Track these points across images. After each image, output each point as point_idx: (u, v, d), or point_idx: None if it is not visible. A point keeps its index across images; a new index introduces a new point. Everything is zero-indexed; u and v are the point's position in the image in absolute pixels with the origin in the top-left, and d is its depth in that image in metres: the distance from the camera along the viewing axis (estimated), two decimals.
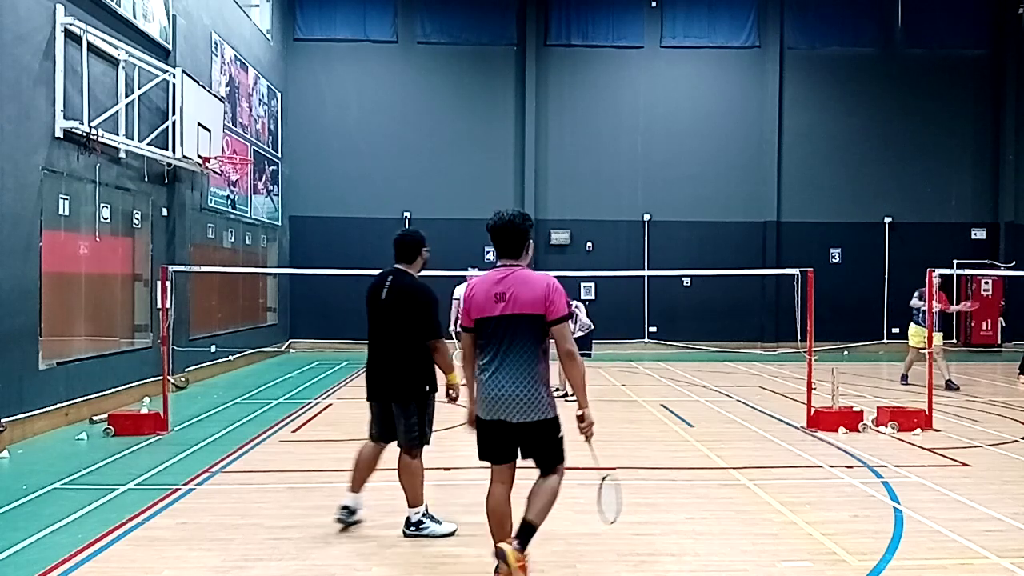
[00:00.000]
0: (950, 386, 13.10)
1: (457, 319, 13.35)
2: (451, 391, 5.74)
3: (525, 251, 4.75)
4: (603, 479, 4.87)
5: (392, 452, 5.73)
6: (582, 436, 4.63)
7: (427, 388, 5.57)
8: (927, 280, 10.60)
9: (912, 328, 13.66)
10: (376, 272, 5.89)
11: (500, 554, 4.45)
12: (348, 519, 5.75)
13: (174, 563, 5.12)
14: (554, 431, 4.65)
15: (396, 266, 5.74)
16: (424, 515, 5.66)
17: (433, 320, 5.59)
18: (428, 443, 5.67)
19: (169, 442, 8.86)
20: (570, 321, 4.68)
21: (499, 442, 4.64)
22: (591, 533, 5.72)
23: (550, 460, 4.65)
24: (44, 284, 9.46)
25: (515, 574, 4.42)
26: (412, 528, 5.63)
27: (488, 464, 4.79)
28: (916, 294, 13.68)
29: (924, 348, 12.34)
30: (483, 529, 5.73)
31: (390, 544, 5.47)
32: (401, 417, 5.53)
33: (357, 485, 5.77)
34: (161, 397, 9.67)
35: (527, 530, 4.56)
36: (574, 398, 4.67)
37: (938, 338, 12.99)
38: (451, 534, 5.65)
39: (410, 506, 5.65)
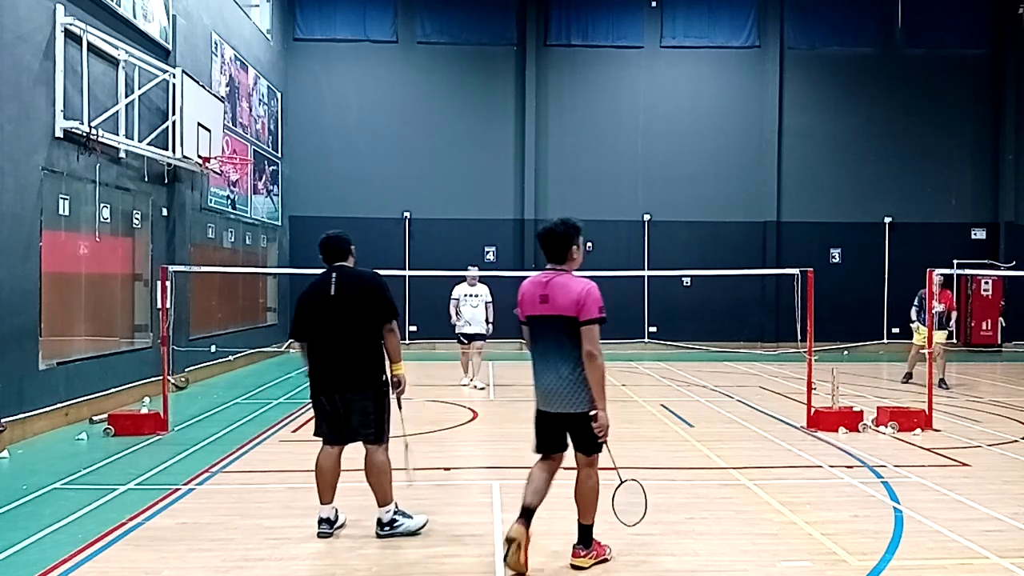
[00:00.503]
0: (941, 385, 13.15)
1: (458, 312, 13.29)
2: (396, 384, 5.63)
3: (570, 256, 5.02)
4: (618, 486, 5.09)
5: (358, 453, 5.60)
6: (598, 436, 4.84)
7: (383, 378, 5.54)
8: (927, 281, 10.58)
9: (917, 326, 13.72)
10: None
11: (576, 568, 4.98)
12: (331, 531, 5.62)
13: (174, 563, 5.12)
14: (590, 423, 4.87)
15: (335, 265, 5.69)
16: (396, 512, 5.61)
17: (392, 300, 5.59)
18: (387, 440, 5.59)
19: (169, 442, 8.86)
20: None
21: (545, 432, 5.06)
22: None
23: (589, 447, 4.94)
24: (44, 284, 9.45)
25: (597, 562, 5.04)
26: (387, 528, 5.55)
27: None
28: (916, 302, 13.77)
29: (925, 347, 12.65)
30: (483, 529, 5.76)
31: (390, 544, 5.46)
32: (357, 408, 5.46)
33: (329, 495, 5.62)
34: (161, 397, 9.67)
35: (584, 532, 5.03)
36: None
37: (941, 336, 13.18)
38: (424, 524, 5.66)
39: (381, 505, 5.57)
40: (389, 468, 5.57)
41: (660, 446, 8.76)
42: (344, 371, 5.47)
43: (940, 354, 12.98)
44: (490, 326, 13.06)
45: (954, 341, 20.15)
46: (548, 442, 5.06)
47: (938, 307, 12.97)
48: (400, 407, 5.73)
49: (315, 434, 5.68)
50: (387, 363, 5.61)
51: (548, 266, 5.06)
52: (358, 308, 5.50)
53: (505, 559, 4.88)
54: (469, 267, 13.64)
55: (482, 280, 13.29)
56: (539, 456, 5.11)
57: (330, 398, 5.52)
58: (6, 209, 8.76)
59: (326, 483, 5.60)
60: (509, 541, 4.85)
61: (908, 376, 14.05)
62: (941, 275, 12.46)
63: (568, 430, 4.97)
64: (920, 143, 20.87)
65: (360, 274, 5.66)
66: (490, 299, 13.07)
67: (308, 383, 5.66)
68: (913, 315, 13.77)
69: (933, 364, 12.09)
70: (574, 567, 4.99)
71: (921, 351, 13.29)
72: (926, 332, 12.78)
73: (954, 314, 14.20)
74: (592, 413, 4.79)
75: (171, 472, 7.49)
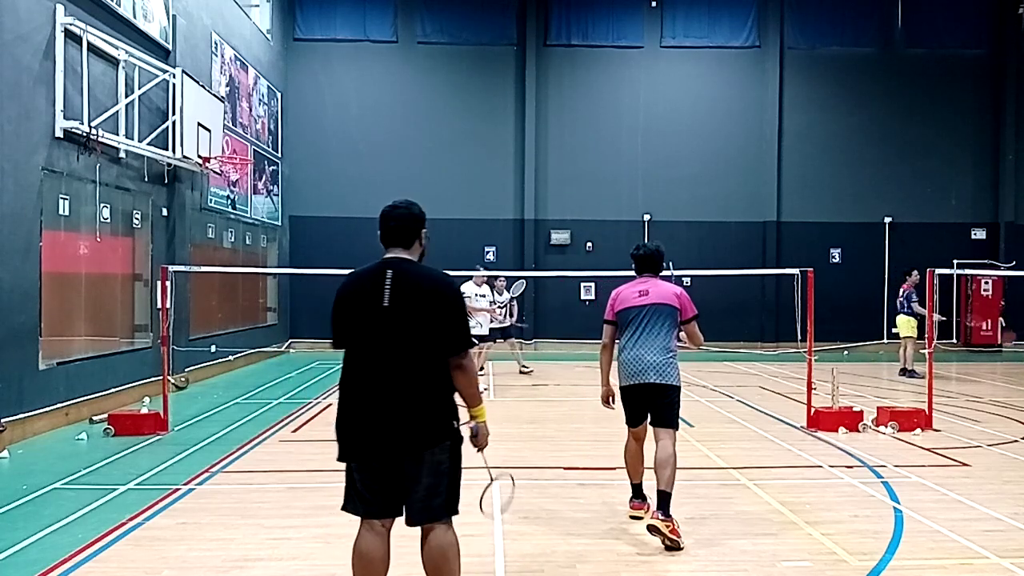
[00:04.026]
0: (913, 374, 14.53)
1: (469, 313, 13.54)
2: (477, 436, 3.95)
3: (661, 270, 6.08)
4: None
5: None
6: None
7: (456, 423, 3.87)
8: (927, 281, 10.59)
9: (901, 319, 14.92)
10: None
11: (652, 529, 5.40)
12: None
13: (174, 563, 5.12)
14: (677, 397, 5.76)
15: (392, 255, 3.94)
16: None
17: (468, 323, 3.98)
18: (458, 511, 3.92)
19: (169, 442, 8.86)
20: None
21: (638, 404, 5.82)
22: (591, 533, 5.73)
23: (670, 420, 5.71)
24: (44, 284, 9.45)
25: (670, 536, 5.33)
26: None
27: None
28: (906, 296, 14.98)
29: (907, 337, 14.68)
30: (482, 530, 5.75)
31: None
32: (424, 477, 3.76)
33: None
34: (161, 397, 9.68)
35: (664, 498, 5.46)
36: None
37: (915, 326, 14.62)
38: None
39: None
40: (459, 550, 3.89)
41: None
42: (397, 426, 3.74)
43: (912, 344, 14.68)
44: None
45: (953, 340, 20.28)
46: (639, 413, 5.85)
47: (920, 310, 14.40)
48: (488, 470, 4.11)
49: (346, 508, 3.93)
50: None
51: (643, 275, 6.00)
52: (423, 328, 3.77)
53: (652, 531, 5.44)
54: (478, 266, 13.68)
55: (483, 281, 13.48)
56: (629, 432, 5.96)
57: (367, 468, 3.81)
58: (6, 209, 8.76)
59: None
60: (654, 530, 5.47)
61: (912, 372, 14.75)
62: (940, 275, 13.47)
63: (657, 402, 5.71)
64: (920, 143, 20.86)
65: (429, 275, 3.89)
66: (492, 298, 13.43)
67: (335, 423, 3.95)
68: (915, 308, 14.68)
69: (904, 351, 14.65)
70: (650, 528, 5.40)
71: (909, 340, 14.79)
72: (906, 321, 14.70)
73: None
74: (679, 386, 5.76)
75: (171, 472, 7.49)
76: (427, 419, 3.77)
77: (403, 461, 3.76)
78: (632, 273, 6.10)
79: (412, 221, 3.97)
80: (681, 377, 5.84)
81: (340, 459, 3.90)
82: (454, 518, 3.89)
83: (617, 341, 5.97)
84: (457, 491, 3.89)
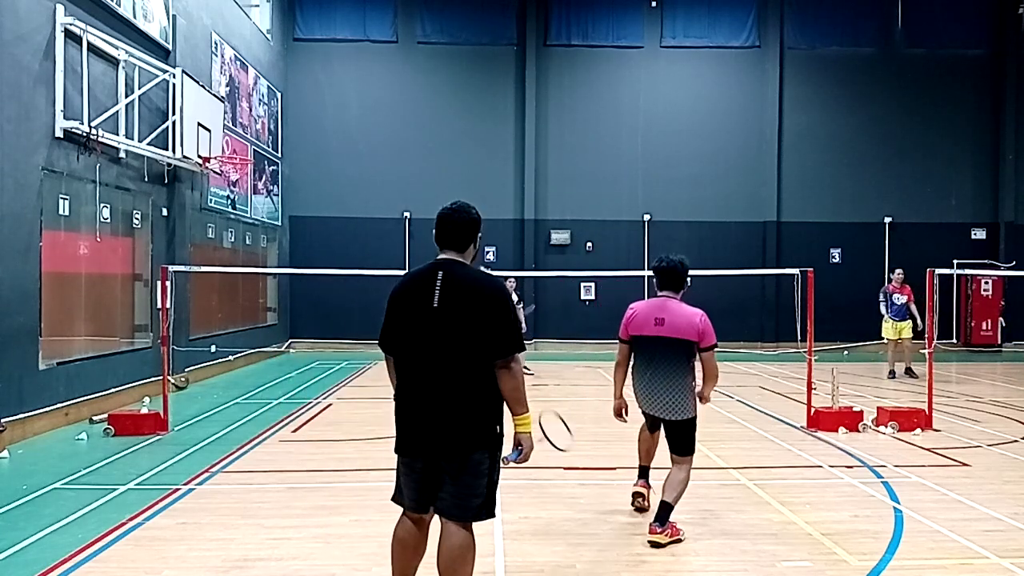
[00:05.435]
0: (893, 376, 14.69)
1: None
2: (516, 446, 3.98)
3: (683, 287, 5.86)
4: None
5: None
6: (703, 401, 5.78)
7: (498, 429, 3.93)
8: (927, 281, 10.59)
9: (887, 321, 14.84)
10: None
11: (654, 544, 5.40)
12: None
13: (174, 563, 5.12)
14: (691, 428, 5.70)
15: (444, 257, 4.00)
16: None
17: (519, 328, 3.98)
18: (495, 514, 4.07)
19: (169, 442, 8.86)
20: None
21: (652, 424, 6.04)
22: (591, 533, 5.73)
23: (684, 449, 5.70)
24: (44, 284, 9.46)
25: (671, 541, 5.44)
26: None
27: None
28: (881, 298, 14.92)
29: (889, 339, 14.61)
30: (483, 528, 5.73)
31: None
32: (463, 476, 3.84)
33: None
34: (161, 397, 9.68)
35: (664, 508, 5.47)
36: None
37: (906, 328, 14.48)
38: None
39: None
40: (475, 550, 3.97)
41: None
42: (450, 423, 3.82)
43: (908, 346, 14.55)
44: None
45: (953, 341, 20.28)
46: (653, 427, 6.05)
47: (900, 299, 14.50)
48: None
49: (394, 499, 4.15)
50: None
51: (661, 293, 5.82)
52: (470, 329, 3.80)
53: (633, 505, 6.16)
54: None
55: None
56: (646, 427, 6.12)
57: (412, 464, 3.95)
58: (6, 209, 8.76)
59: (406, 565, 4.09)
60: (636, 495, 6.14)
61: (908, 372, 14.70)
62: (901, 273, 14.59)
63: (670, 431, 5.72)
64: (920, 143, 20.87)
65: (480, 279, 3.93)
66: None
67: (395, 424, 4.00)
68: (882, 309, 14.77)
69: (900, 354, 14.50)
70: (652, 544, 5.40)
71: (896, 343, 14.70)
72: (891, 325, 14.56)
73: (913, 306, 14.65)
74: (692, 417, 5.66)
75: (171, 472, 7.49)
76: (472, 422, 3.84)
77: (446, 461, 3.85)
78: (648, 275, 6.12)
79: (468, 225, 4.05)
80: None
81: (396, 449, 4.02)
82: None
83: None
84: (495, 493, 3.98)
